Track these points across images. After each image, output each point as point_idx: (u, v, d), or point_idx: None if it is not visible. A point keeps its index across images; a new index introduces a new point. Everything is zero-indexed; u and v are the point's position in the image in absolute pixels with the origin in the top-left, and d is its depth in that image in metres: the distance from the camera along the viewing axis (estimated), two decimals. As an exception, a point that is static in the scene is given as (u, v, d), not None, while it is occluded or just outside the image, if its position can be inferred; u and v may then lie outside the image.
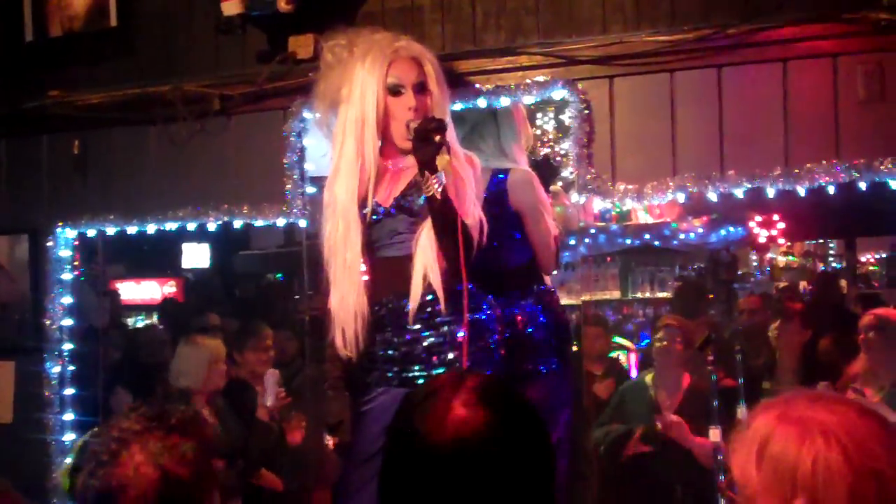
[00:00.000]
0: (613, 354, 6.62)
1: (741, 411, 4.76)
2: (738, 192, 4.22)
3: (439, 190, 3.32)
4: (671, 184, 4.29)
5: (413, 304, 3.47)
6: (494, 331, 3.63)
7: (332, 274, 3.60)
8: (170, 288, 9.53)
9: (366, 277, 3.64)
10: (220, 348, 5.32)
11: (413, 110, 3.48)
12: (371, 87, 3.51)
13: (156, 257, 7.73)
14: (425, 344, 3.50)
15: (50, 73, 5.38)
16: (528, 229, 4.17)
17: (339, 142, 3.61)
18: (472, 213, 3.46)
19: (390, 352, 3.55)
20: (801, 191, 4.13)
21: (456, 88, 4.44)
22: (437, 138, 3.29)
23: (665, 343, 5.37)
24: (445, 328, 3.49)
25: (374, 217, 3.57)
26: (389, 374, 3.54)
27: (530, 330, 4.15)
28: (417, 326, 3.50)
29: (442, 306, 3.44)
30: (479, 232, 3.49)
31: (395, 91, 3.52)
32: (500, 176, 4.15)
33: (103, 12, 5.25)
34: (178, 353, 5.28)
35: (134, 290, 8.64)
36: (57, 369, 5.23)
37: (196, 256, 8.46)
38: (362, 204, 3.59)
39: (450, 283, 3.47)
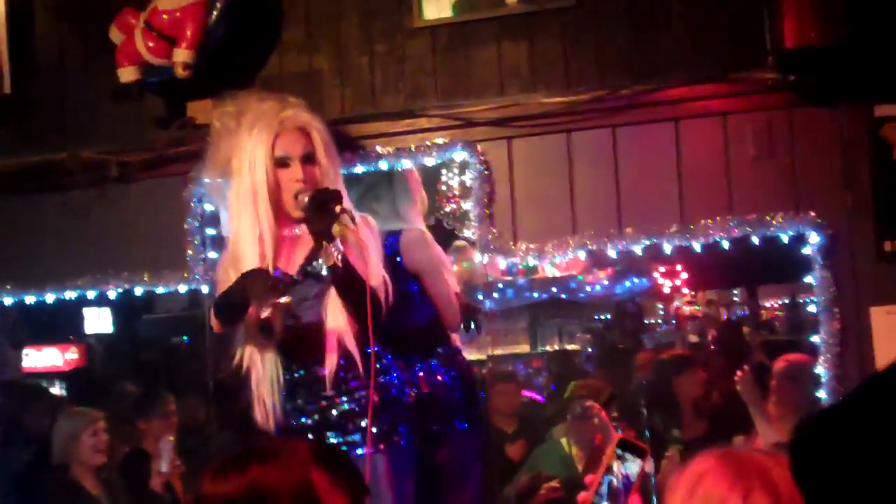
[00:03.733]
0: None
1: (649, 466, 4.79)
2: (637, 249, 4.29)
3: (339, 258, 3.31)
4: (571, 242, 4.34)
5: (328, 369, 3.45)
6: (405, 394, 3.62)
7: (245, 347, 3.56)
8: (72, 354, 9.33)
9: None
10: (90, 418, 5.17)
11: (300, 181, 3.47)
12: (259, 160, 3.50)
13: (57, 323, 7.56)
14: (339, 410, 3.47)
15: (-57, 141, 5.28)
16: (428, 288, 4.16)
17: (236, 214, 3.59)
18: (377, 274, 3.46)
19: (304, 419, 3.52)
20: (698, 246, 4.22)
21: (356, 151, 4.49)
22: (338, 209, 3.29)
23: (584, 418, 5.37)
24: (359, 394, 3.47)
25: (284, 283, 3.53)
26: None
27: (437, 390, 4.14)
28: (331, 393, 3.48)
29: (360, 370, 3.42)
30: (385, 292, 3.49)
31: (282, 163, 3.51)
32: (392, 237, 4.14)
33: (-4, 79, 5.18)
34: (54, 427, 5.16)
35: (35, 358, 8.43)
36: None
37: (98, 321, 8.30)
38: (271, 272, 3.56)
39: (361, 347, 3.46)
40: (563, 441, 5.61)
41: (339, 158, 3.68)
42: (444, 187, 5.34)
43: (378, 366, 3.49)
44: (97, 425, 5.05)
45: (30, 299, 5.07)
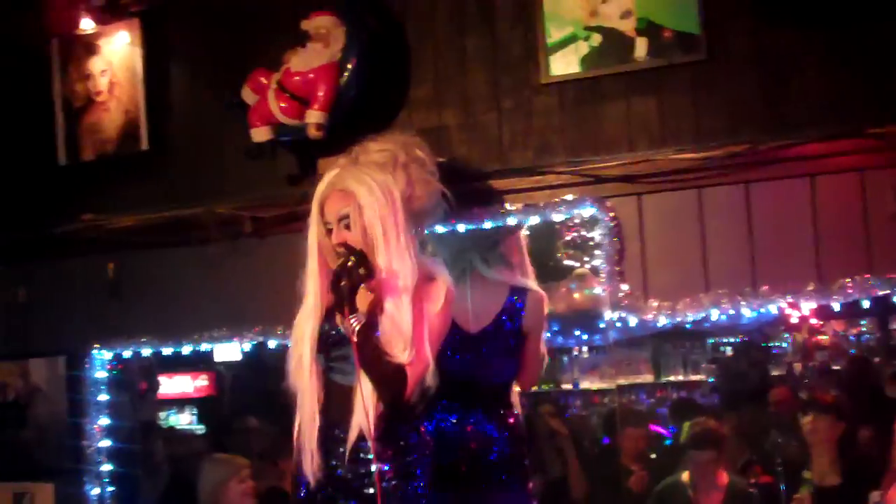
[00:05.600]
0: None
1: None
2: (773, 308, 4.23)
3: (356, 329, 3.22)
4: (704, 300, 4.30)
5: (350, 438, 3.38)
6: (419, 474, 3.48)
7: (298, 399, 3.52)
8: (202, 382, 9.55)
9: None
10: (236, 466, 5.25)
11: (339, 246, 3.40)
12: (312, 222, 3.46)
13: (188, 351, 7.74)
14: (350, 476, 3.42)
15: (83, 196, 5.48)
16: (528, 347, 4.12)
17: (308, 264, 3.54)
18: (408, 353, 3.32)
19: (322, 479, 3.47)
20: (837, 306, 4.15)
21: (485, 207, 4.51)
22: (343, 283, 3.21)
23: (703, 454, 5.30)
24: (373, 464, 3.37)
25: (331, 339, 3.48)
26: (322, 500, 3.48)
27: (490, 453, 4.08)
28: (348, 458, 3.41)
29: (370, 444, 3.33)
30: (421, 374, 3.36)
31: (328, 228, 3.44)
32: (520, 294, 4.11)
33: (135, 136, 5.35)
34: (201, 474, 5.25)
35: (167, 385, 8.65)
36: (96, 491, 5.25)
37: (227, 349, 8.45)
38: (322, 325, 3.50)
39: (385, 421, 3.36)
40: (685, 477, 5.51)
41: (399, 221, 3.30)
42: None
43: (402, 443, 3.41)
44: (243, 472, 5.14)
45: (167, 351, 5.21)
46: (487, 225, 4.48)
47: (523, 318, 4.04)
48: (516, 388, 4.20)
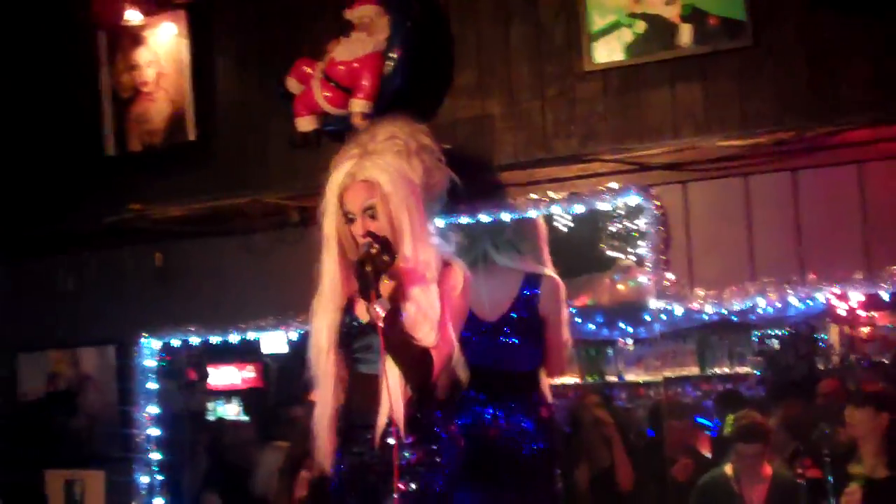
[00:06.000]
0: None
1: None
2: (820, 297, 4.19)
3: (382, 315, 3.22)
4: (751, 289, 4.26)
5: (379, 424, 3.38)
6: (443, 463, 3.46)
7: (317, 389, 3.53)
8: (249, 373, 9.61)
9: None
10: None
11: (365, 237, 3.34)
12: (330, 212, 3.46)
13: (234, 342, 7.79)
14: (375, 465, 3.42)
15: (130, 186, 5.53)
16: (548, 335, 4.14)
17: (324, 254, 3.54)
18: (433, 336, 3.32)
19: (346, 467, 3.47)
20: (886, 295, 4.10)
21: (528, 196, 4.51)
22: (368, 269, 3.24)
23: (750, 447, 5.26)
24: (396, 448, 3.37)
25: (353, 330, 3.48)
26: (346, 489, 3.48)
27: (524, 448, 4.07)
28: (375, 447, 3.41)
29: (401, 432, 3.33)
30: (447, 357, 3.31)
31: (349, 218, 3.43)
32: (534, 281, 4.12)
33: (182, 126, 5.40)
34: (259, 462, 5.31)
35: (214, 376, 8.72)
36: (146, 479, 5.31)
37: (274, 340, 8.50)
38: (342, 317, 3.50)
39: (413, 408, 3.37)
40: (728, 470, 5.47)
41: (422, 209, 3.41)
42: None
43: (430, 433, 3.40)
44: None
45: (214, 340, 5.26)
46: (532, 214, 4.49)
47: (539, 304, 4.07)
48: (547, 380, 4.21)
